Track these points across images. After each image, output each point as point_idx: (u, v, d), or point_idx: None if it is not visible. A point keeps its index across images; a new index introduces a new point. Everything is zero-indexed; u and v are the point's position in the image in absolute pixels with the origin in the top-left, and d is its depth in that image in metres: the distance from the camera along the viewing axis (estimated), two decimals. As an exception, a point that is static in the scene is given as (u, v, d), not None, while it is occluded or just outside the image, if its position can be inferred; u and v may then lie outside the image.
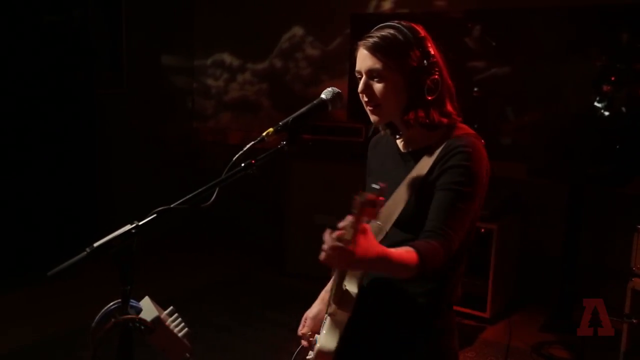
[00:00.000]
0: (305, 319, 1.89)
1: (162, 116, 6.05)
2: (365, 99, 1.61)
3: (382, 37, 1.55)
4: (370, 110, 1.62)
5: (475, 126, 1.68)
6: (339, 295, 1.59)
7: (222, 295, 4.56)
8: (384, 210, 1.57)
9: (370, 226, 1.45)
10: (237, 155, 1.52)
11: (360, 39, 1.60)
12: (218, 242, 5.74)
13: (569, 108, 4.30)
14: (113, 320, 1.48)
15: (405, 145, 1.69)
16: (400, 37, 1.55)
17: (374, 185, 1.27)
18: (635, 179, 3.94)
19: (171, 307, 1.60)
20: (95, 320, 1.52)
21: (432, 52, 1.58)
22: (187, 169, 6.10)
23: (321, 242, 1.28)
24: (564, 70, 4.28)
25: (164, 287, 4.01)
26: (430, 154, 1.58)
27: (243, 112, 6.02)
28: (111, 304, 1.54)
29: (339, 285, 1.60)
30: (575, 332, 2.64)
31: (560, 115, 4.32)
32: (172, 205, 1.46)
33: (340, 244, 1.26)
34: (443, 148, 1.56)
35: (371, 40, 1.56)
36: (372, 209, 1.25)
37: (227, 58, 6.10)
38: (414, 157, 1.63)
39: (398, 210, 1.58)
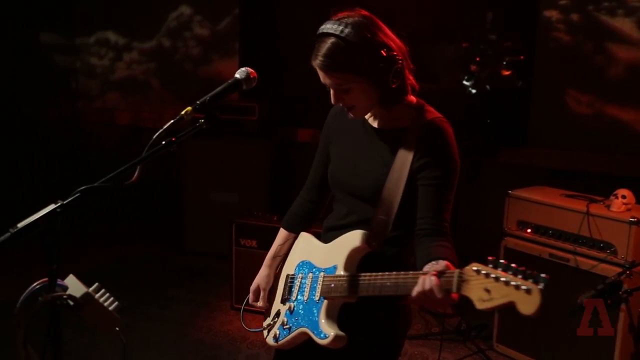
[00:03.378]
0: (255, 290, 1.95)
1: (44, 97, 5.77)
2: (341, 105, 1.70)
3: (327, 55, 1.56)
4: (347, 110, 1.69)
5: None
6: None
7: (123, 275, 4.52)
8: (385, 198, 1.64)
9: (378, 221, 1.62)
10: (157, 133, 1.55)
11: (312, 58, 1.62)
12: (116, 222, 5.60)
13: (440, 87, 4.65)
14: (41, 299, 1.53)
15: (377, 122, 1.75)
16: (344, 44, 1.55)
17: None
18: (502, 149, 4.41)
19: (97, 284, 1.66)
20: (20, 300, 1.55)
21: (384, 41, 1.59)
22: (73, 150, 5.89)
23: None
24: (433, 52, 4.63)
25: (60, 269, 3.92)
26: (409, 137, 1.65)
27: (131, 91, 5.89)
28: (35, 284, 1.57)
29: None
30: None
31: (434, 93, 4.66)
32: (95, 184, 1.51)
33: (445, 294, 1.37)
34: (422, 135, 1.63)
35: (319, 61, 1.58)
36: None
37: (112, 36, 5.93)
38: (390, 136, 1.70)
39: (397, 201, 1.64)
